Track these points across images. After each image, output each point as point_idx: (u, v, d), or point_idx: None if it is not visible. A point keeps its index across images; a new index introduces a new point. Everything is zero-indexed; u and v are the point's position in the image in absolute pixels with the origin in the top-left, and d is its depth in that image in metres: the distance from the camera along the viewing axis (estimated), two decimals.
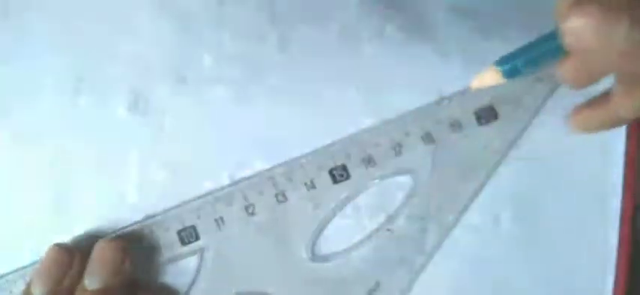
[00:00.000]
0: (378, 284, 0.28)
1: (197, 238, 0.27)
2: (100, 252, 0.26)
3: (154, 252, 0.27)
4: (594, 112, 0.26)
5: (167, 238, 0.27)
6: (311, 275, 0.28)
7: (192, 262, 0.27)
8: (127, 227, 0.27)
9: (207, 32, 0.28)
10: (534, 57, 0.23)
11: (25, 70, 0.28)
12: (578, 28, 0.18)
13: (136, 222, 0.27)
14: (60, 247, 0.26)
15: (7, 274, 0.27)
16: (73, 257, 0.25)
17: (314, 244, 0.28)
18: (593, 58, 0.18)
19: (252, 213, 0.27)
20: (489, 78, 0.24)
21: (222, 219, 0.27)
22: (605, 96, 0.25)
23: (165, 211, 0.27)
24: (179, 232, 0.27)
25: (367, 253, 0.28)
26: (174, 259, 0.27)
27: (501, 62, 0.23)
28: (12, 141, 0.27)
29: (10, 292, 0.26)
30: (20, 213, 0.27)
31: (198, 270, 0.27)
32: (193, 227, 0.27)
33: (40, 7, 0.28)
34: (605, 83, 0.24)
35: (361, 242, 0.28)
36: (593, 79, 0.24)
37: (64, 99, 0.28)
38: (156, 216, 0.27)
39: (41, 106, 0.27)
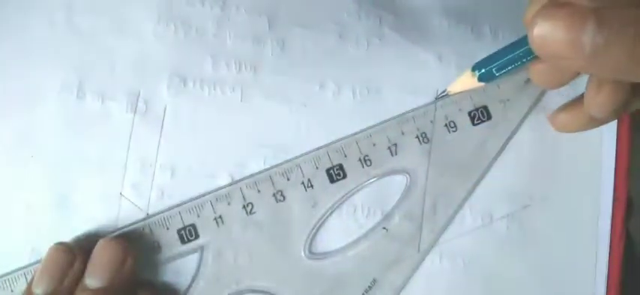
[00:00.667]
0: (374, 282, 0.28)
1: (197, 237, 0.28)
2: (101, 251, 0.26)
3: (154, 251, 0.27)
4: (570, 114, 0.27)
5: (167, 237, 0.27)
6: (308, 272, 0.28)
7: (192, 260, 0.28)
8: (127, 226, 0.27)
9: (208, 34, 0.29)
10: (508, 61, 0.24)
11: (26, 71, 0.28)
12: (544, 34, 0.18)
13: (136, 221, 0.27)
14: (61, 246, 0.26)
15: (9, 273, 0.27)
16: (74, 256, 0.26)
17: (311, 242, 0.28)
18: (561, 62, 0.19)
19: (251, 212, 0.28)
20: (466, 82, 0.25)
21: (221, 217, 0.28)
22: (581, 98, 0.26)
23: (165, 210, 0.28)
24: (179, 231, 0.27)
25: (363, 251, 0.29)
26: (175, 257, 0.27)
27: (477, 66, 0.24)
28: (13, 142, 0.27)
29: (12, 291, 0.27)
30: (21, 212, 0.27)
31: (198, 268, 0.28)
32: (193, 226, 0.28)
33: (40, 7, 0.28)
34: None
35: (358, 241, 0.29)
36: (563, 81, 0.25)
37: (65, 100, 0.28)
38: (156, 215, 0.28)
39: (42, 107, 0.28)
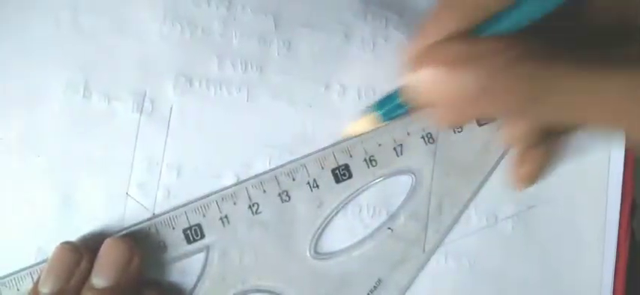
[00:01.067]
0: (379, 282, 0.29)
1: (202, 236, 0.28)
2: (107, 251, 0.26)
3: (160, 251, 0.27)
4: (528, 167, 0.26)
5: (173, 236, 0.27)
6: (314, 272, 0.28)
7: (198, 260, 0.28)
8: (133, 226, 0.27)
9: (214, 34, 0.29)
10: (403, 101, 0.23)
11: (31, 71, 0.28)
12: (422, 82, 0.18)
13: (142, 221, 0.27)
14: (68, 246, 0.26)
15: (15, 272, 0.27)
16: (80, 255, 0.26)
17: (317, 242, 0.28)
18: (445, 107, 0.18)
19: (257, 212, 0.28)
20: (369, 122, 0.24)
21: (227, 217, 0.28)
22: (532, 148, 0.25)
23: (172, 210, 0.28)
24: (185, 230, 0.28)
25: (369, 251, 0.29)
26: (181, 257, 0.28)
27: (377, 106, 0.23)
28: (19, 142, 0.27)
29: (18, 290, 0.27)
30: (28, 212, 0.27)
31: (203, 268, 0.28)
32: (199, 226, 0.28)
33: (45, 7, 0.28)
34: None
35: (363, 241, 0.29)
36: (459, 121, 0.23)
37: (71, 100, 0.28)
38: (162, 215, 0.28)
39: (48, 107, 0.28)
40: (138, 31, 0.29)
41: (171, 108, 0.28)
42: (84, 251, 0.26)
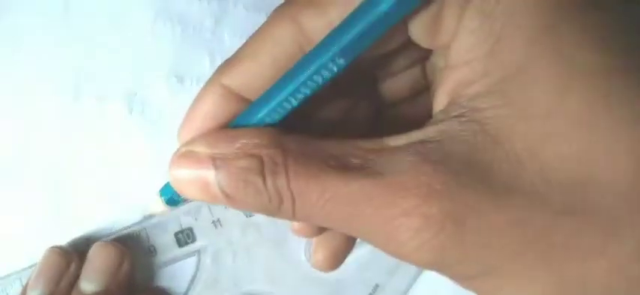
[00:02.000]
0: (376, 287, 0.28)
1: (194, 240, 0.27)
2: (96, 255, 0.25)
3: (151, 254, 0.27)
4: (325, 252, 0.24)
5: (164, 240, 0.27)
6: (309, 276, 0.28)
7: (189, 264, 0.27)
8: (124, 229, 0.27)
9: (205, 31, 0.28)
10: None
11: (25, 71, 0.27)
12: (179, 179, 0.17)
13: (133, 224, 0.27)
14: (57, 249, 0.26)
15: (4, 276, 0.26)
16: (69, 259, 0.25)
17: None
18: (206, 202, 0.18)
19: (250, 215, 0.27)
20: (159, 206, 0.24)
21: (219, 220, 0.27)
22: (328, 233, 0.23)
23: (163, 213, 0.27)
24: (176, 234, 0.27)
25: (366, 256, 0.28)
26: (172, 261, 0.27)
27: (162, 192, 0.23)
28: (10, 143, 0.27)
29: (7, 294, 0.26)
30: (17, 215, 0.27)
31: (195, 272, 0.27)
32: (191, 230, 0.27)
33: (39, 7, 0.28)
34: None
35: (359, 245, 0.28)
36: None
37: (63, 101, 0.27)
38: (153, 218, 0.27)
39: (40, 108, 0.27)
40: (129, 30, 0.28)
41: (163, 108, 0.28)
42: (73, 255, 0.26)
